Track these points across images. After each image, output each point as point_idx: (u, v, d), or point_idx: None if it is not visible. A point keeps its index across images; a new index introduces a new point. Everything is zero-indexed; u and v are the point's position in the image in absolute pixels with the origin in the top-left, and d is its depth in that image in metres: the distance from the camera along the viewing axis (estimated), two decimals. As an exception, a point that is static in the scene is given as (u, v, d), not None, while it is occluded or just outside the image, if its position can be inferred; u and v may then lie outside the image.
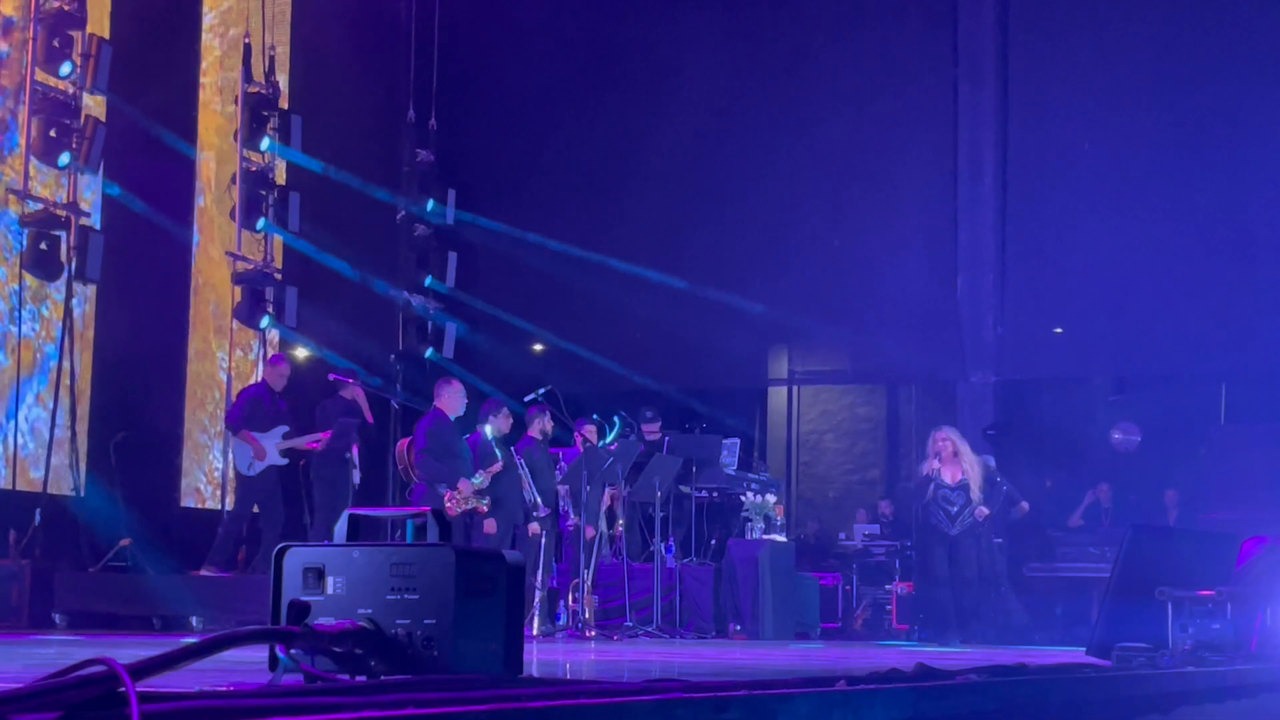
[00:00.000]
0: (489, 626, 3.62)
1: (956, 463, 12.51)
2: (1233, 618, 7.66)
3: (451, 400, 12.01)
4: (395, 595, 3.52)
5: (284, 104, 15.20)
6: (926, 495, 12.52)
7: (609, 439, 13.39)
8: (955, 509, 12.46)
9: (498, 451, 12.05)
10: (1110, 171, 15.59)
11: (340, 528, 3.77)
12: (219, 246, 14.80)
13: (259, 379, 13.56)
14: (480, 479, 11.78)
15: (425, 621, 3.47)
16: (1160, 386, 16.97)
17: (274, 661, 3.53)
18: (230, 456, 12.82)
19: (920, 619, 13.49)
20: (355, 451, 12.67)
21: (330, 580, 3.60)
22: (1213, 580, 7.92)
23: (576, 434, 12.93)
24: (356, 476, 12.51)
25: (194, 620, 11.09)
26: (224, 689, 3.09)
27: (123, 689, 2.37)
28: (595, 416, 13.71)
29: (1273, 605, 8.30)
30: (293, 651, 3.45)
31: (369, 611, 3.52)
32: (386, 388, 15.34)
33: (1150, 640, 7.19)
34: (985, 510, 12.46)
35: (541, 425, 12.74)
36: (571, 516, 12.66)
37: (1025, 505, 13.34)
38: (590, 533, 12.46)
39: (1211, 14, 15.16)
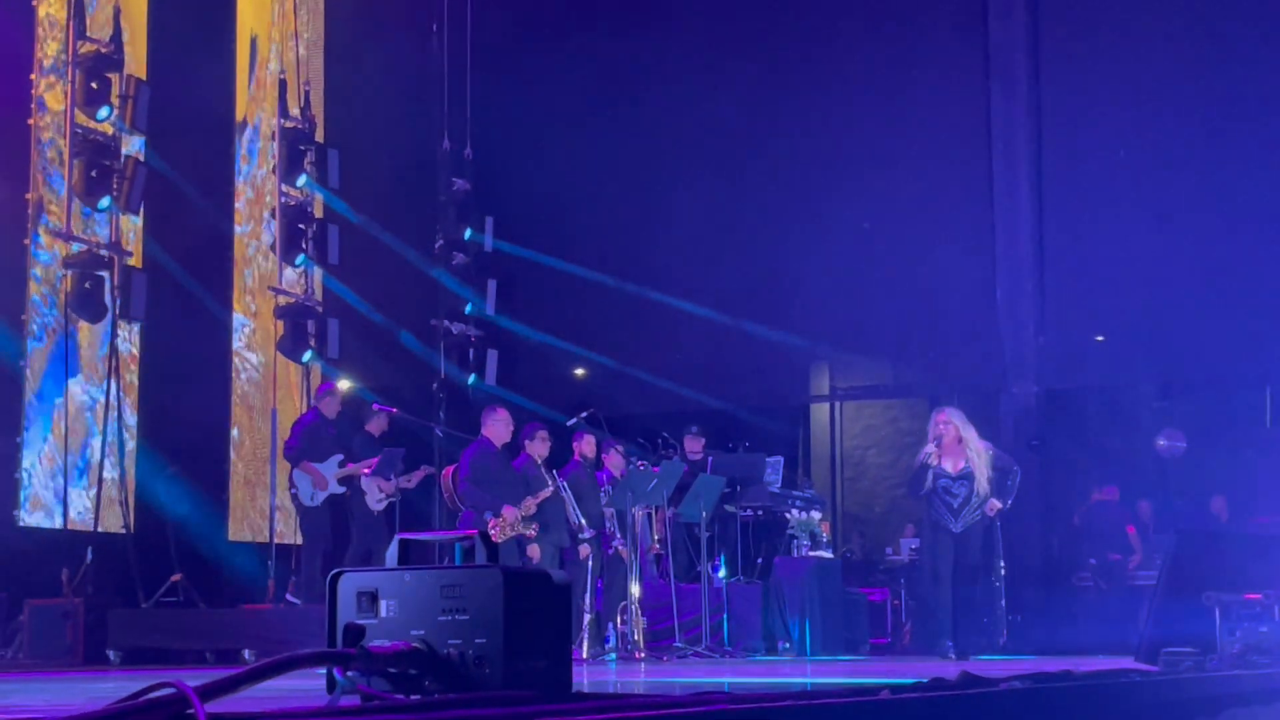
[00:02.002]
0: (538, 645, 3.73)
1: (960, 450, 11.23)
2: (1280, 620, 7.70)
3: (497, 428, 12.10)
4: (446, 616, 3.64)
5: (320, 137, 15.42)
6: (925, 485, 11.23)
7: (641, 461, 13.47)
8: (958, 502, 11.22)
9: (544, 474, 12.17)
10: (1149, 172, 15.58)
11: (391, 552, 3.91)
12: (259, 281, 15.01)
13: (309, 407, 13.77)
14: (526, 505, 11.86)
15: (476, 641, 3.59)
16: (1205, 391, 16.94)
17: (331, 684, 3.66)
18: (290, 488, 13.03)
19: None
20: (403, 479, 12.91)
21: (383, 603, 3.73)
22: (1260, 583, 7.97)
23: (607, 454, 13.03)
24: (378, 504, 12.77)
25: (246, 653, 11.25)
26: (289, 709, 3.22)
27: (192, 710, 2.50)
28: (640, 439, 13.78)
29: (1321, 607, 8.33)
30: (350, 673, 3.58)
31: (421, 633, 3.64)
32: (430, 416, 15.49)
33: (1198, 644, 7.24)
34: (998, 504, 11.23)
35: (580, 448, 12.87)
36: (618, 537, 12.75)
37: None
38: (649, 548, 12.58)
39: (1248, 7, 15.15)
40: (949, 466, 11.20)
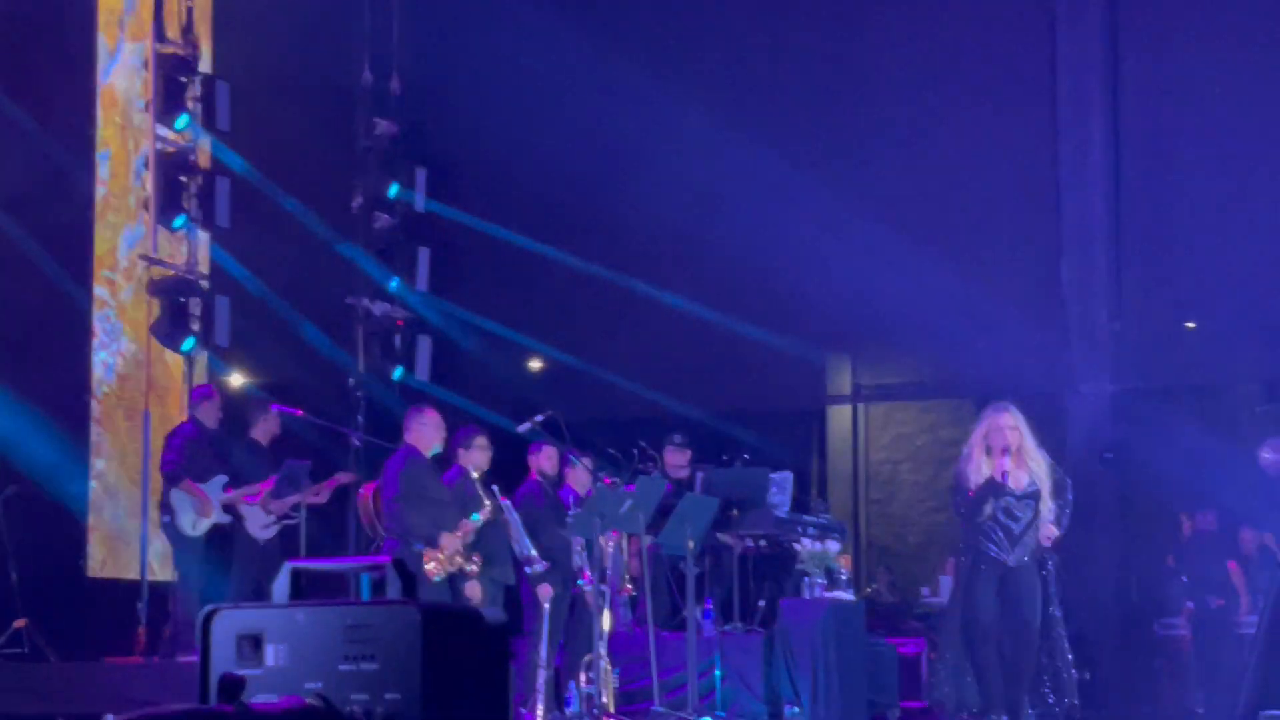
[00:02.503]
0: (466, 703, 3.72)
1: (1023, 460, 11.12)
2: None
3: (424, 433, 12.07)
4: (350, 665, 3.62)
5: (206, 67, 15.36)
6: (984, 511, 11.09)
7: (612, 477, 13.47)
8: (1019, 528, 11.10)
9: (481, 492, 12.16)
10: (1253, 122, 15.63)
11: (281, 584, 3.88)
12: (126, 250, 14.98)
13: (186, 416, 13.76)
14: (463, 529, 11.84)
15: (387, 696, 3.57)
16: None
17: (202, 750, 3.64)
18: (163, 515, 13.00)
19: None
20: (310, 492, 12.98)
21: (270, 649, 3.71)
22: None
23: (567, 471, 13.02)
24: (264, 531, 12.80)
25: (109, 718, 11.21)
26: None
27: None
28: (610, 450, 13.78)
29: None
30: (225, 737, 3.56)
31: (318, 685, 3.63)
32: (345, 420, 15.47)
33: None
34: (1056, 531, 11.16)
35: (540, 462, 12.87)
36: (583, 573, 12.74)
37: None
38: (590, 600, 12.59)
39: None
40: (1012, 482, 11.09)
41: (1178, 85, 15.86)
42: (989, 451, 11.17)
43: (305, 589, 3.93)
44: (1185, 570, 16.12)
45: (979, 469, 11.17)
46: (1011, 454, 11.08)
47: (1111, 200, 16.05)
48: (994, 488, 11.09)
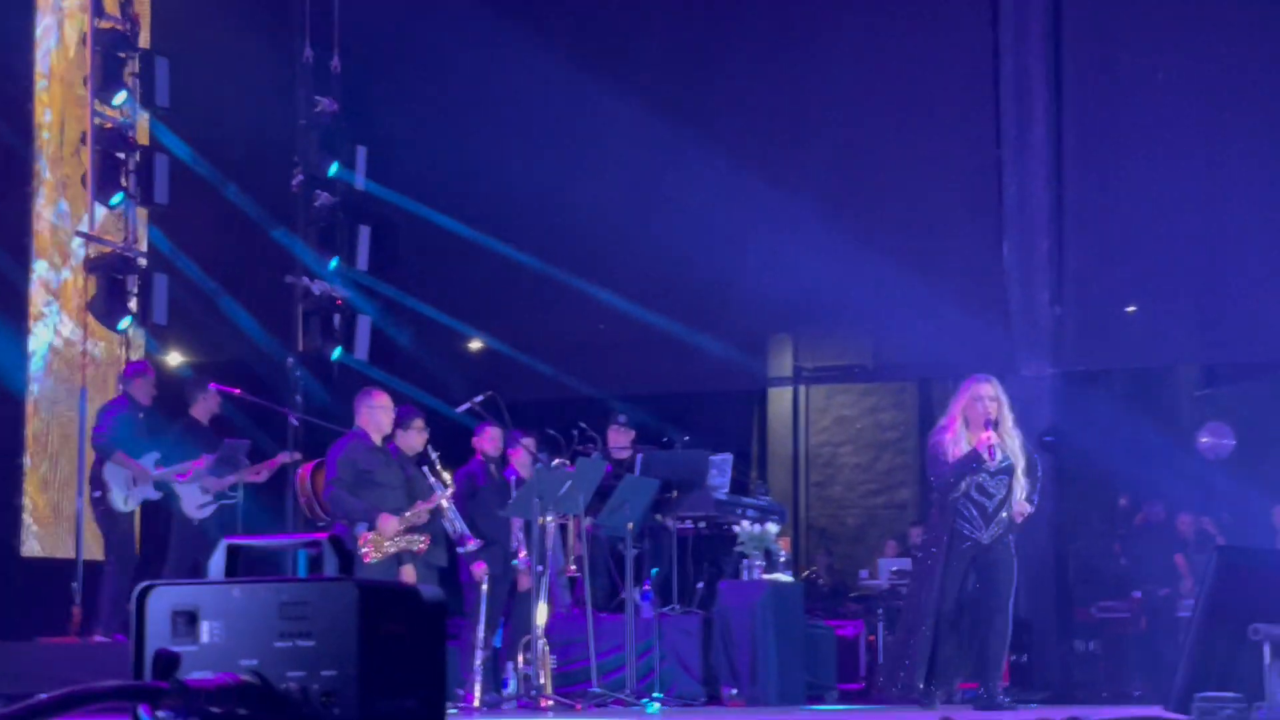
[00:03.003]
0: (404, 680, 3.71)
1: (1001, 435, 10.87)
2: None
3: (374, 417, 12.01)
4: (286, 642, 3.61)
5: (144, 42, 15.27)
6: (960, 487, 10.87)
7: (557, 459, 13.48)
8: (994, 504, 10.88)
9: (427, 475, 12.15)
10: (1197, 103, 15.66)
11: (217, 561, 3.87)
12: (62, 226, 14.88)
13: (119, 392, 13.70)
14: (416, 511, 11.81)
15: (323, 673, 3.56)
16: (1258, 378, 17.11)
17: (137, 727, 3.63)
18: (94, 491, 12.94)
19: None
20: (250, 471, 12.97)
21: (205, 625, 3.69)
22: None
23: (511, 450, 13.02)
24: (200, 510, 12.77)
25: (41, 697, 11.15)
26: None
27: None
28: (550, 430, 13.79)
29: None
30: (159, 714, 3.55)
31: (254, 662, 3.61)
32: (284, 400, 15.42)
33: (1242, 690, 7.33)
34: (1029, 507, 10.91)
35: (483, 443, 12.87)
36: (524, 554, 12.75)
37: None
38: (525, 582, 12.61)
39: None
40: (986, 455, 10.83)
41: (1121, 68, 15.91)
42: (968, 424, 10.96)
43: (242, 567, 3.92)
44: (1132, 559, 16.23)
45: (958, 441, 10.94)
46: (995, 426, 10.84)
47: (1053, 183, 16.08)
48: (974, 461, 10.83)
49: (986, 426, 10.83)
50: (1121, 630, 15.89)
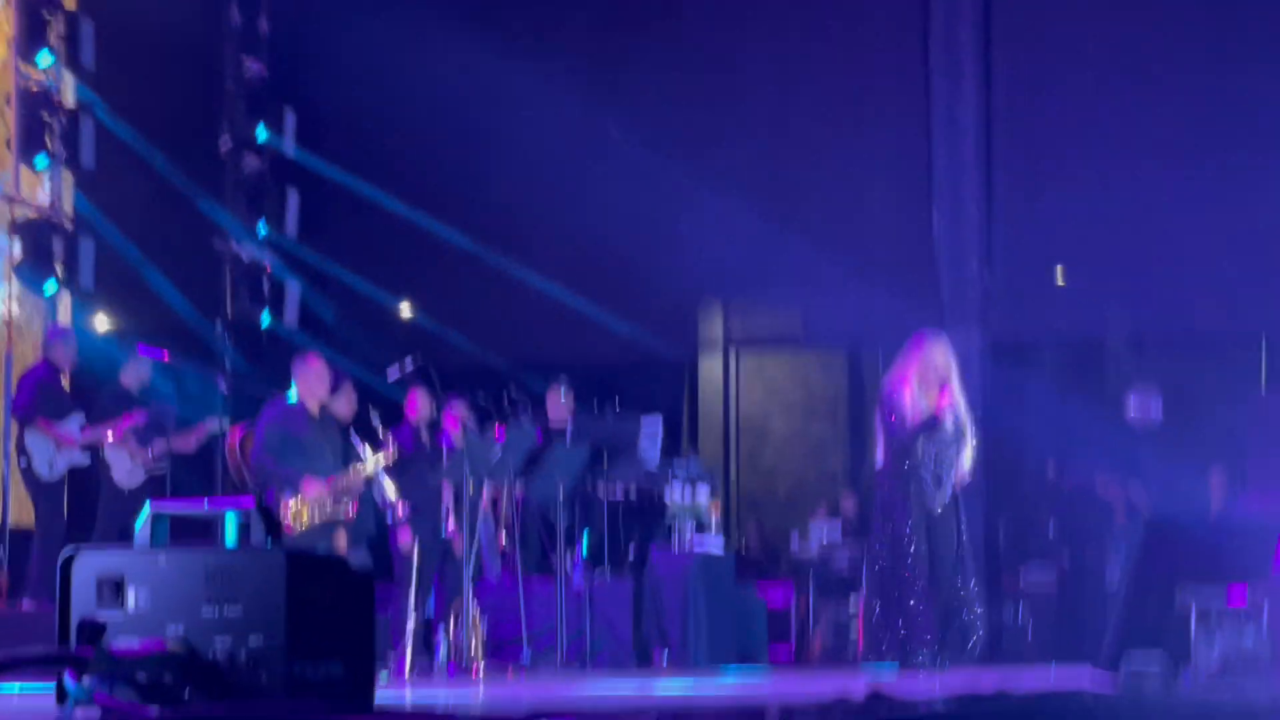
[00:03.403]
0: (331, 646, 3.70)
1: (954, 396, 10.71)
2: (1270, 628, 7.87)
3: (309, 382, 11.89)
4: (213, 609, 3.59)
5: (69, 4, 15.12)
6: (918, 451, 10.70)
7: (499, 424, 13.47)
8: (946, 470, 10.73)
9: (356, 441, 12.10)
10: (1124, 78, 15.74)
11: (142, 528, 3.85)
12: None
13: (39, 359, 13.61)
14: (348, 479, 11.74)
15: (250, 641, 3.55)
16: (1187, 348, 17.20)
17: (62, 694, 3.60)
18: (20, 456, 12.87)
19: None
20: (177, 439, 12.90)
21: (131, 592, 3.67)
22: (1246, 580, 8.13)
23: (446, 417, 12.99)
24: (130, 478, 12.70)
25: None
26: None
27: None
28: (480, 397, 13.77)
29: (1320, 611, 8.52)
30: (86, 680, 3.52)
31: (180, 629, 3.60)
32: (213, 364, 15.34)
33: (1171, 651, 7.39)
34: (967, 475, 10.86)
35: (413, 409, 12.84)
36: (454, 522, 12.73)
37: None
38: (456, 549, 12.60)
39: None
40: (949, 420, 10.65)
41: (1050, 38, 15.96)
42: (922, 384, 10.75)
43: (168, 532, 3.89)
44: (1058, 526, 16.30)
45: (915, 403, 10.73)
46: (949, 387, 10.66)
47: (982, 153, 16.12)
48: (933, 425, 10.66)
49: (942, 387, 10.68)
50: (1049, 598, 15.97)
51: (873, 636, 11.21)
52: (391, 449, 12.00)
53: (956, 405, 10.73)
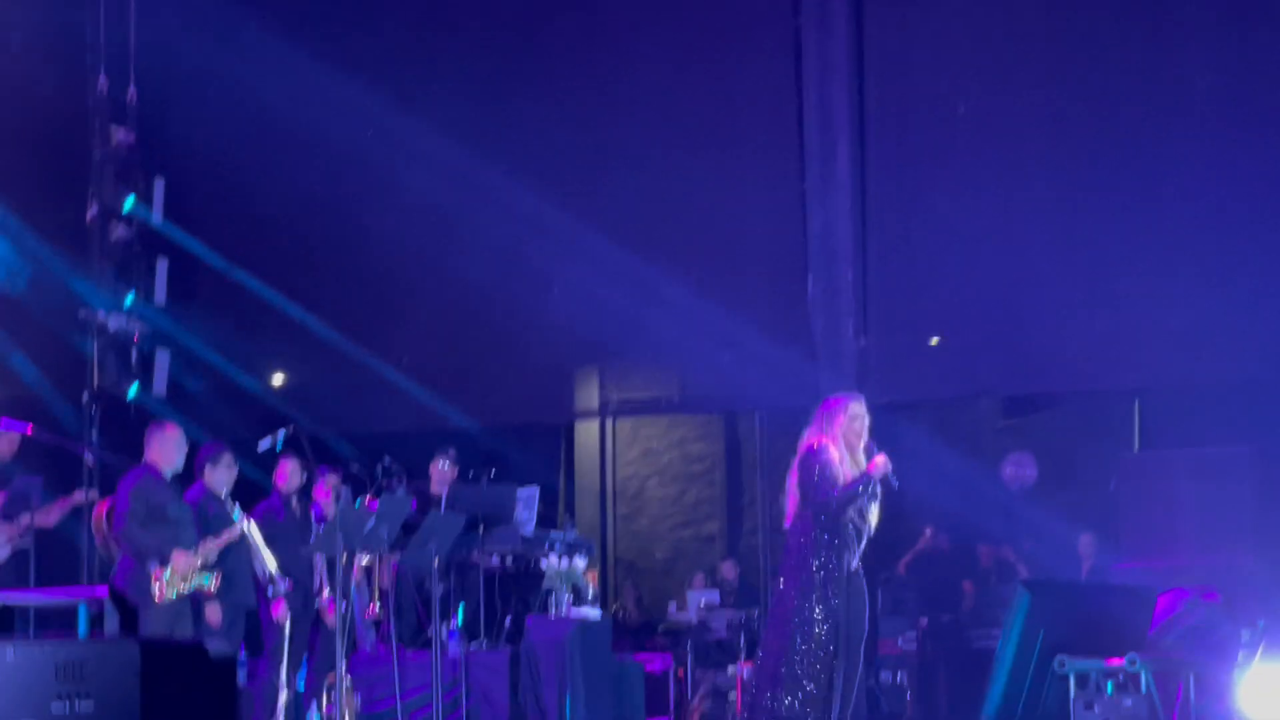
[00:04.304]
0: (190, 739, 3.57)
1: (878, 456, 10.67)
2: (1149, 692, 7.86)
3: (165, 450, 11.94)
4: (63, 704, 3.47)
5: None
6: (848, 511, 10.57)
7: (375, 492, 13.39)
8: (866, 529, 10.69)
9: (232, 513, 12.02)
10: (995, 143, 15.84)
11: (-11, 619, 3.70)
12: None
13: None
14: (205, 548, 11.66)
15: (103, 737, 3.42)
16: (1060, 407, 17.34)
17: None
18: None
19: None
20: (40, 513, 12.73)
21: (-24, 688, 3.52)
22: (1124, 646, 8.13)
23: (318, 485, 12.91)
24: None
25: None
26: None
27: None
28: (354, 466, 13.69)
29: (1197, 674, 8.53)
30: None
31: (28, 726, 3.46)
32: (79, 436, 15.13)
33: (1049, 721, 7.36)
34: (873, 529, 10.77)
35: (280, 478, 12.75)
36: (327, 592, 12.62)
37: None
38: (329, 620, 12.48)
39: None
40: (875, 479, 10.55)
41: (922, 101, 16.05)
42: (848, 445, 10.67)
43: (20, 622, 3.75)
44: (917, 586, 16.36)
45: (844, 462, 10.62)
46: (864, 445, 10.64)
47: (857, 216, 16.18)
48: (867, 483, 10.51)
49: (869, 450, 10.63)
50: (908, 659, 16.00)
51: (755, 700, 11.04)
52: (246, 519, 11.95)
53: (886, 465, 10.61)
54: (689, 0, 16.72)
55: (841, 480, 10.56)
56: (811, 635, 10.64)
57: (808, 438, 10.91)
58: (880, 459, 10.57)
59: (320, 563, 12.86)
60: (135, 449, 12.36)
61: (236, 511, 12.08)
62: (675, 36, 16.74)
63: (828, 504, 10.55)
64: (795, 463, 10.86)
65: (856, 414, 10.79)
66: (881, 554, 16.17)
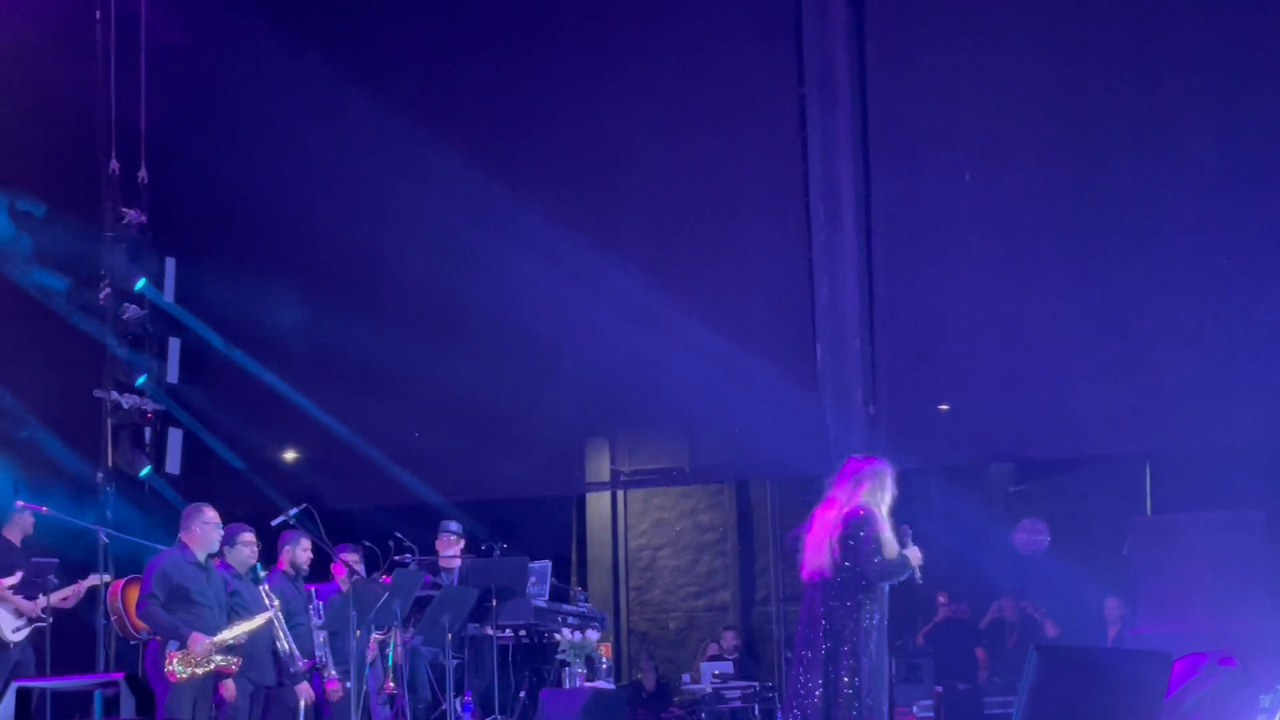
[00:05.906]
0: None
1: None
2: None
3: (203, 533, 11.83)
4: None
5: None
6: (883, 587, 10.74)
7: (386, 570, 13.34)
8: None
9: (260, 593, 12.00)
10: (1000, 210, 15.83)
11: (6, 706, 3.68)
12: None
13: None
14: (232, 632, 11.60)
15: (120, 824, 3.38)
16: (1072, 473, 17.27)
17: None
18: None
19: None
20: (57, 595, 12.73)
21: (-7, 777, 3.49)
22: (1140, 713, 8.07)
23: (336, 563, 12.85)
24: (15, 634, 12.53)
25: None
26: None
27: None
28: (366, 542, 13.65)
29: (1215, 740, 8.47)
30: None
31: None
32: (94, 516, 15.13)
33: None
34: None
35: (293, 554, 12.67)
36: (332, 670, 12.52)
37: None
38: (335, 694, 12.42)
39: (1108, 12, 15.53)
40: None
41: (928, 170, 16.04)
42: (888, 514, 10.74)
43: (35, 708, 3.72)
44: (933, 654, 16.30)
45: (891, 529, 10.65)
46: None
47: (864, 284, 16.17)
48: (906, 572, 10.65)
49: (903, 536, 10.67)
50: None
51: None
52: (274, 607, 11.92)
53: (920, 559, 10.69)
54: (693, 68, 16.70)
55: (887, 553, 10.55)
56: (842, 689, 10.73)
57: (853, 496, 10.85)
58: (916, 554, 10.63)
59: (320, 638, 12.74)
60: (150, 529, 12.37)
61: (264, 594, 12.05)
62: (680, 104, 16.75)
63: (868, 572, 10.55)
64: (839, 520, 10.75)
65: (891, 480, 10.88)
66: (894, 620, 16.12)
